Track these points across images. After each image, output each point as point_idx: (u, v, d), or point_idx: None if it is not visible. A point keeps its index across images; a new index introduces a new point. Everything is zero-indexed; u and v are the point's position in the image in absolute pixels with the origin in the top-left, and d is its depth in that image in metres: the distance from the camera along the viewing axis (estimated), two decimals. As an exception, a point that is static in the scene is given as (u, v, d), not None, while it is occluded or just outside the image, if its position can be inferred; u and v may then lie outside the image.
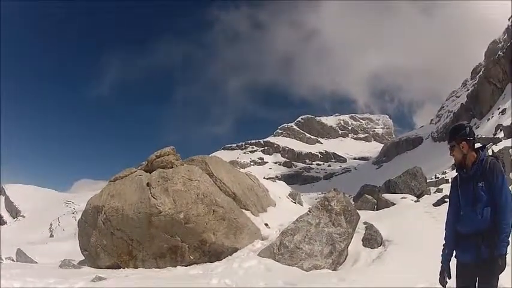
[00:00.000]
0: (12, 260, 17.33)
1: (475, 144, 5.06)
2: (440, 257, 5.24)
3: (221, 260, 12.55)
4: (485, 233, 4.72)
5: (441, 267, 5.18)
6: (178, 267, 12.34)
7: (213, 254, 12.83)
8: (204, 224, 12.80)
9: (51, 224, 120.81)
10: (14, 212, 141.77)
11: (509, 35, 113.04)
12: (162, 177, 13.66)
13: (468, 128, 5.04)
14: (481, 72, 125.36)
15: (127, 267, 13.04)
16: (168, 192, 13.12)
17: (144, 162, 15.75)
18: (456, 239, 5.09)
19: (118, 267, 13.14)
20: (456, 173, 5.19)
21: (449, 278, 5.12)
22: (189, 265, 12.51)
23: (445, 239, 5.27)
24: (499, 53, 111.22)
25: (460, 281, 5.03)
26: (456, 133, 5.05)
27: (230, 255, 12.78)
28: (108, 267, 13.26)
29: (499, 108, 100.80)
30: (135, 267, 13.01)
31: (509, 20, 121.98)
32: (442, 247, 5.27)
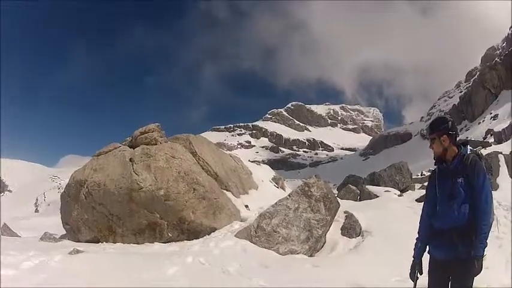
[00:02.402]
0: None
1: (457, 140, 4.87)
2: (413, 251, 5.07)
3: (199, 238, 12.54)
4: (462, 231, 4.54)
5: (413, 261, 5.02)
6: (156, 243, 12.34)
7: (192, 232, 12.83)
8: (183, 201, 12.79)
9: (36, 199, 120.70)
10: (1, 187, 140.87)
11: (508, 43, 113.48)
12: (145, 154, 13.60)
13: (450, 122, 4.85)
14: (476, 76, 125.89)
15: (106, 242, 12.98)
16: (150, 169, 13.08)
17: (128, 138, 15.65)
18: (430, 233, 4.91)
19: (98, 242, 13.08)
20: (435, 167, 5.01)
21: (421, 273, 4.95)
22: (167, 242, 12.50)
23: (418, 233, 5.09)
24: (496, 59, 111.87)
25: (432, 278, 4.87)
26: (438, 126, 4.86)
27: (208, 234, 12.79)
28: (88, 241, 13.23)
29: (491, 113, 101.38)
30: (115, 242, 12.95)
31: (509, 29, 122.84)
32: (415, 241, 5.09)
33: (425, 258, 4.99)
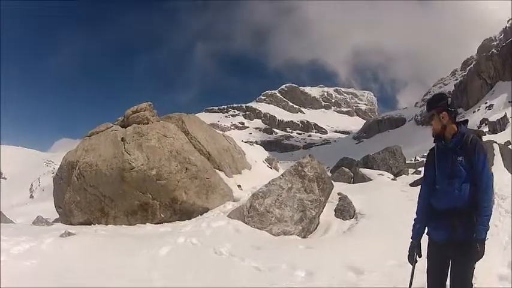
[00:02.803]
0: None
1: (456, 118, 4.70)
2: (411, 232, 4.87)
3: (191, 219, 12.45)
4: (463, 211, 4.35)
5: (411, 243, 4.82)
6: (148, 224, 12.25)
7: (184, 213, 12.74)
8: (175, 181, 12.66)
9: (31, 185, 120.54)
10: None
11: (506, 35, 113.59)
12: (137, 133, 13.43)
13: (450, 99, 4.72)
14: (472, 66, 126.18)
15: (98, 224, 12.86)
16: (141, 148, 12.93)
17: (120, 118, 15.43)
18: (429, 214, 4.70)
19: (90, 224, 12.95)
20: (433, 145, 4.82)
21: (420, 256, 4.76)
22: (160, 223, 12.42)
23: (416, 213, 4.88)
24: (493, 50, 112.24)
25: (431, 261, 4.70)
26: (437, 102, 4.69)
27: (201, 214, 12.72)
28: (80, 224, 13.05)
29: (486, 103, 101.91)
30: (107, 223, 12.83)
31: (508, 21, 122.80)
32: (413, 222, 4.89)
33: (424, 240, 4.80)
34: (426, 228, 4.79)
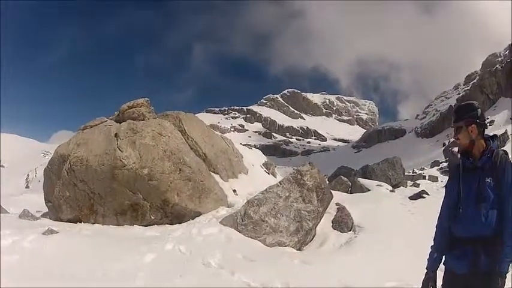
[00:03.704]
0: None
1: (485, 132, 4.06)
2: (426, 261, 4.25)
3: (183, 223, 11.98)
4: (487, 241, 3.77)
5: (426, 274, 4.21)
6: (136, 226, 11.78)
7: (176, 216, 12.26)
8: (168, 182, 12.15)
9: (27, 175, 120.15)
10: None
11: (511, 51, 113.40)
12: (131, 129, 12.92)
13: (479, 110, 4.02)
14: (475, 80, 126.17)
15: (88, 222, 12.44)
16: (135, 145, 12.43)
17: (116, 112, 14.92)
18: (449, 242, 4.09)
19: (79, 221, 12.56)
20: (459, 161, 4.14)
21: None
22: (149, 225, 11.95)
23: (434, 240, 4.27)
24: (497, 66, 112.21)
25: None
26: (466, 112, 4.02)
27: (192, 219, 12.21)
28: (69, 221, 12.66)
29: (488, 118, 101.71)
30: (96, 222, 12.38)
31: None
32: (430, 249, 4.27)
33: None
34: (443, 257, 4.17)
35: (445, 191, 4.35)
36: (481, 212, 3.81)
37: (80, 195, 12.68)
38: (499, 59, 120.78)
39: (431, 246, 4.27)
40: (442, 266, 4.19)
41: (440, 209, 4.29)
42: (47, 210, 14.43)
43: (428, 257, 4.25)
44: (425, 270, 4.23)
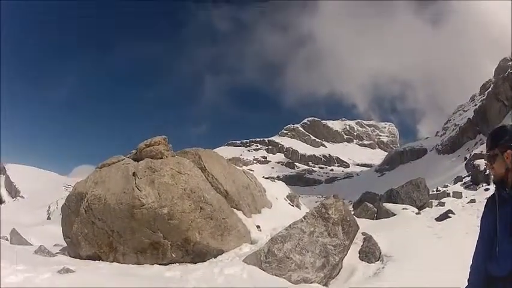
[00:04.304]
0: (6, 240, 16.78)
1: None
2: None
3: (205, 261, 11.73)
4: None
5: None
6: (156, 265, 11.52)
7: (197, 254, 11.98)
8: (189, 221, 11.90)
9: (49, 207, 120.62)
10: (13, 192, 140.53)
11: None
12: (149, 168, 12.74)
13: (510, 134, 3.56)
14: (490, 89, 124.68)
15: (107, 260, 12.25)
16: (153, 184, 12.23)
17: (134, 151, 14.81)
18: (484, 281, 3.66)
19: (98, 258, 12.41)
20: (494, 192, 3.67)
21: None
22: (171, 263, 11.74)
23: (468, 281, 3.83)
24: (509, 70, 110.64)
25: None
26: (499, 138, 3.56)
27: (215, 257, 11.94)
28: (88, 257, 12.54)
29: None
30: (116, 260, 12.19)
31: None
32: None
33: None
34: None
35: (480, 227, 3.84)
36: None
37: (98, 232, 12.57)
38: (510, 63, 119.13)
39: (466, 287, 3.84)
40: None
41: (475, 247, 3.83)
42: (66, 245, 14.28)
43: None
44: None
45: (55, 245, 16.03)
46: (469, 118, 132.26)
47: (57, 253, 13.69)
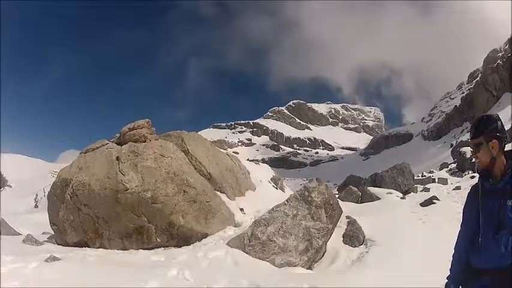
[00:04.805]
0: None
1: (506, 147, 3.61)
2: None
3: (189, 245, 11.70)
4: (507, 273, 3.27)
5: None
6: (141, 250, 11.48)
7: (182, 237, 11.95)
8: (172, 205, 11.87)
9: (36, 195, 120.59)
10: (1, 182, 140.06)
11: (511, 46, 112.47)
12: (133, 152, 12.66)
13: (500, 122, 3.55)
14: (478, 78, 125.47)
15: (93, 246, 12.26)
16: (137, 168, 12.16)
17: (117, 135, 14.69)
18: (466, 273, 3.66)
19: (85, 244, 12.39)
20: (477, 182, 3.69)
21: None
22: (156, 247, 11.71)
23: (451, 270, 3.84)
24: (499, 61, 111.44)
25: None
26: (485, 126, 3.53)
27: (199, 240, 11.91)
28: (75, 244, 12.50)
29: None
30: (102, 245, 12.17)
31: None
32: (446, 280, 3.84)
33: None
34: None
35: (462, 217, 3.87)
36: (501, 242, 3.35)
37: (84, 219, 12.46)
38: (500, 54, 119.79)
39: (447, 277, 3.86)
40: None
41: (457, 236, 3.86)
42: (53, 233, 14.23)
43: None
44: None
45: (43, 233, 16.01)
46: (456, 105, 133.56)
47: (44, 241, 13.61)
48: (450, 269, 3.84)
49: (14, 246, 11.17)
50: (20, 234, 15.66)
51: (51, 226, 14.01)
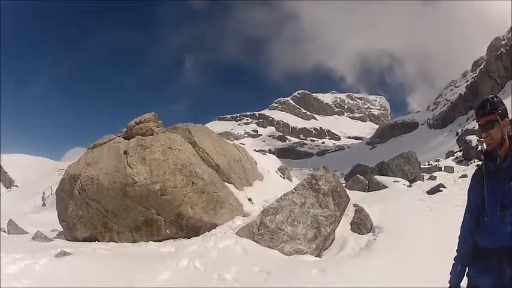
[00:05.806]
0: (4, 231, 16.76)
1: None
2: (449, 274, 3.83)
3: (199, 235, 11.78)
4: None
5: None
6: (151, 242, 11.61)
7: (191, 229, 12.07)
8: (181, 196, 11.97)
9: (43, 193, 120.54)
10: (8, 182, 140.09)
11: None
12: (140, 145, 12.78)
13: (505, 105, 3.59)
14: (482, 66, 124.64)
15: (103, 240, 12.35)
16: (145, 161, 12.28)
17: (124, 129, 14.78)
18: (473, 253, 3.65)
19: (95, 239, 12.48)
20: (481, 163, 3.70)
21: None
22: (165, 239, 11.80)
23: (457, 251, 3.84)
24: (502, 49, 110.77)
25: None
26: (498, 105, 3.53)
27: (208, 231, 12.02)
28: (84, 239, 12.61)
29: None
30: (111, 239, 12.27)
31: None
32: (453, 261, 3.85)
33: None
34: (467, 269, 3.75)
35: (467, 197, 3.85)
36: (506, 221, 3.34)
37: (93, 213, 12.59)
38: (503, 42, 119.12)
39: (454, 258, 3.87)
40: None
41: (462, 217, 3.85)
42: (62, 230, 14.32)
43: (451, 269, 3.86)
44: (448, 285, 3.83)
45: (52, 230, 16.16)
46: (460, 94, 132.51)
47: (54, 238, 13.76)
48: (456, 250, 3.85)
49: (23, 244, 11.30)
50: (28, 233, 15.79)
51: (60, 223, 14.10)
